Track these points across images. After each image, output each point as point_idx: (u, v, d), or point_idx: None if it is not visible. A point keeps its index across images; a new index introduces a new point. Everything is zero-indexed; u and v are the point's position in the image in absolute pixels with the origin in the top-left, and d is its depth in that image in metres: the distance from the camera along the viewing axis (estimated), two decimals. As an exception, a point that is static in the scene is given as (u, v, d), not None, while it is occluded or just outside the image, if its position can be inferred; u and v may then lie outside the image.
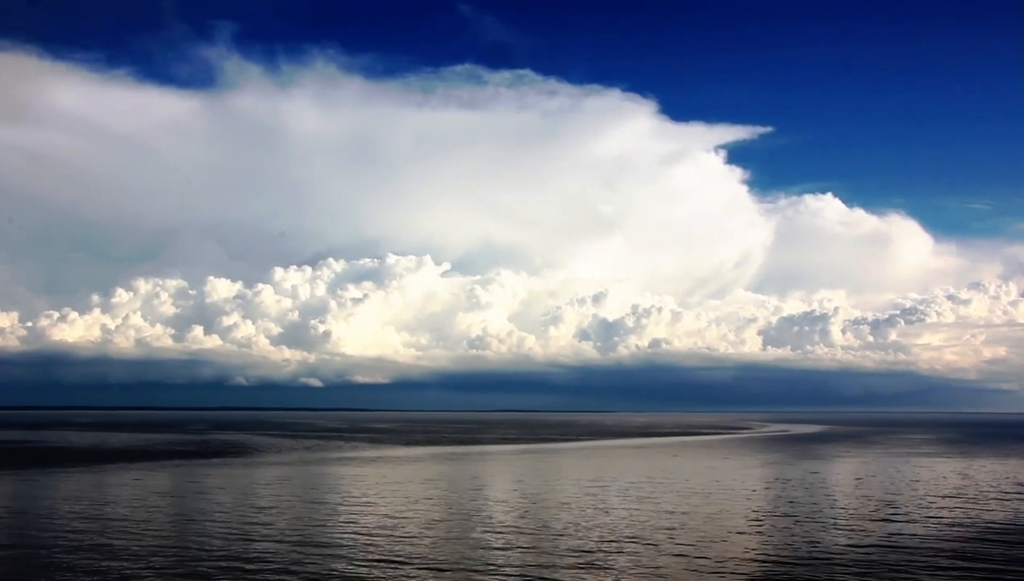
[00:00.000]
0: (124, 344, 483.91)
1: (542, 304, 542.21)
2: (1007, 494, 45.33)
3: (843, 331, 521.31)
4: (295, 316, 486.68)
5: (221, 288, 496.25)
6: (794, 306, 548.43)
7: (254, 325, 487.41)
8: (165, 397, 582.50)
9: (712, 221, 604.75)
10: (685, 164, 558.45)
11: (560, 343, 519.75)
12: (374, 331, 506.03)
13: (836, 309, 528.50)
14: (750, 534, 31.01)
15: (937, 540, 29.99)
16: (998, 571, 24.93)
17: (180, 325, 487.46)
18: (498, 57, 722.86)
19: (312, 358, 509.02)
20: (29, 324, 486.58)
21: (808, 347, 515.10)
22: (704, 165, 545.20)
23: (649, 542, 29.14)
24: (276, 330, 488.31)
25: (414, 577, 24.03)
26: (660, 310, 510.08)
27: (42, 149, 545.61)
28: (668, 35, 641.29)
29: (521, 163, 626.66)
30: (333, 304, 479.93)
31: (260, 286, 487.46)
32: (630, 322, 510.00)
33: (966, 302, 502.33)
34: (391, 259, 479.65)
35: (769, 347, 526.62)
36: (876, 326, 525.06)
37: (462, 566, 25.22)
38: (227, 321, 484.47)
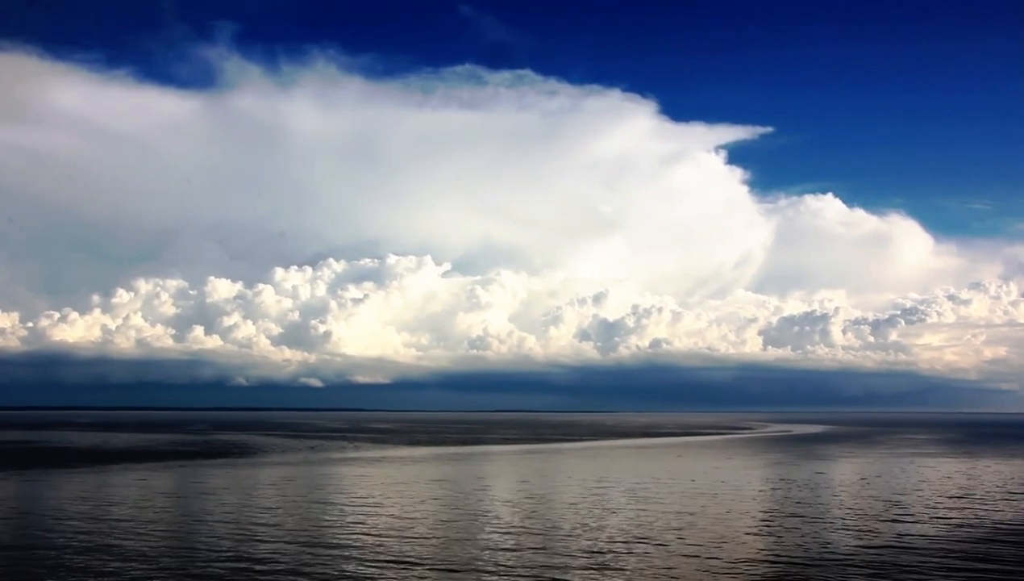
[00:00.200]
0: (124, 344, 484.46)
1: (542, 304, 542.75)
2: (1014, 494, 45.27)
3: (843, 331, 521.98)
4: (295, 316, 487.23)
5: (221, 288, 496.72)
6: (794, 306, 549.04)
7: (254, 325, 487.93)
8: (165, 397, 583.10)
9: (712, 221, 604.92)
10: (685, 164, 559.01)
11: (560, 343, 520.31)
12: (374, 331, 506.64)
13: (836, 309, 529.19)
14: (760, 535, 30.94)
15: (948, 541, 29.92)
16: (1010, 572, 24.86)
17: (180, 325, 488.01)
18: (498, 57, 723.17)
19: (312, 358, 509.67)
20: (29, 324, 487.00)
21: (808, 347, 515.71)
22: (704, 165, 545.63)
23: (659, 543, 29.07)
24: (276, 330, 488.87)
25: (426, 579, 23.97)
26: (660, 310, 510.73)
27: (42, 149, 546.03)
28: (668, 35, 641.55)
29: (521, 163, 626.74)
30: (333, 304, 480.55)
31: (260, 286, 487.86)
32: (630, 322, 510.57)
33: (966, 302, 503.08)
34: (391, 259, 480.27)
35: (769, 347, 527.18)
36: (876, 326, 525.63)
37: (474, 567, 25.15)
38: (227, 321, 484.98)
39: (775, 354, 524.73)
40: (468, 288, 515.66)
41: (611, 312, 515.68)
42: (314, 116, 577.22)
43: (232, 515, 35.71)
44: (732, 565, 25.39)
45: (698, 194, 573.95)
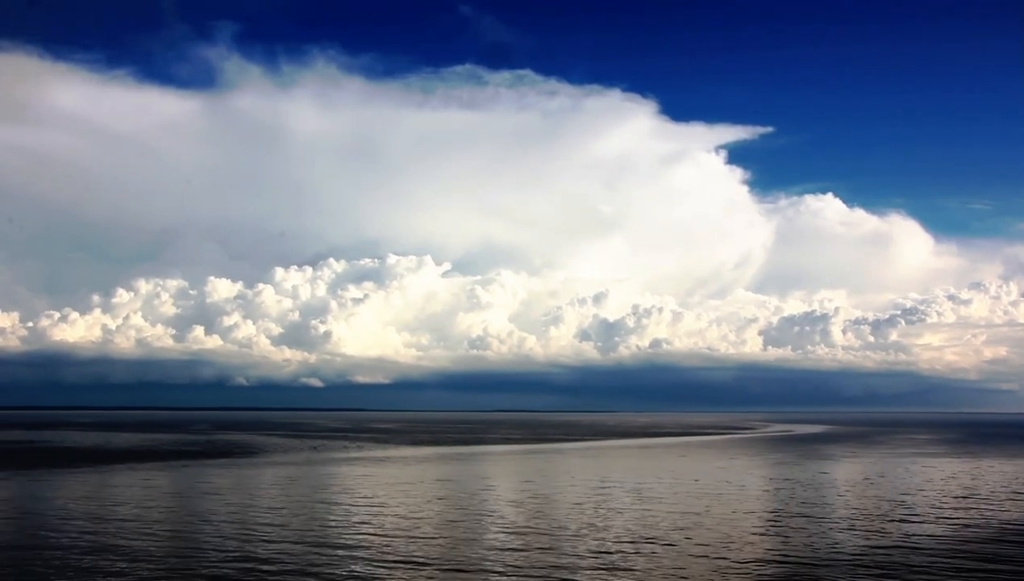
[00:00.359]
0: (125, 344, 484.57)
1: (542, 304, 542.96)
2: (1019, 494, 45.24)
3: (844, 331, 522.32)
4: (296, 316, 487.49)
5: (222, 288, 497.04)
6: (795, 306, 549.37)
7: (255, 325, 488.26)
8: (166, 397, 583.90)
9: (712, 221, 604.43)
10: (685, 164, 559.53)
11: (561, 343, 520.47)
12: (375, 331, 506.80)
13: (837, 309, 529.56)
14: (768, 535, 30.89)
15: (956, 541, 29.89)
16: (1021, 574, 24.81)
17: (181, 325, 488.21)
18: (498, 57, 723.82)
19: (313, 358, 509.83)
20: (30, 324, 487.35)
21: (809, 347, 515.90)
22: (704, 165, 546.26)
23: (667, 543, 29.03)
24: (277, 330, 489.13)
25: (435, 579, 23.93)
26: (661, 310, 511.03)
27: (42, 149, 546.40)
28: (668, 35, 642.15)
29: (521, 163, 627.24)
30: (334, 304, 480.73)
31: (261, 286, 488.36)
32: (631, 322, 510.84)
33: (967, 302, 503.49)
34: (392, 259, 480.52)
35: (770, 347, 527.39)
36: (877, 326, 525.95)
37: (483, 568, 25.10)
38: (228, 321, 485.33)
39: (775, 354, 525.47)
40: (468, 288, 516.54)
41: (611, 312, 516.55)
42: (314, 116, 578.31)
43: (238, 515, 35.67)
44: (742, 565, 25.34)
45: (698, 194, 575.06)
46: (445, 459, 76.18)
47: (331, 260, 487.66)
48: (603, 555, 26.94)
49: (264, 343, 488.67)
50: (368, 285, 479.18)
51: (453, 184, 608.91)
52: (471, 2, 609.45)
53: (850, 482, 51.93)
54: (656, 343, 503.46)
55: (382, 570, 24.83)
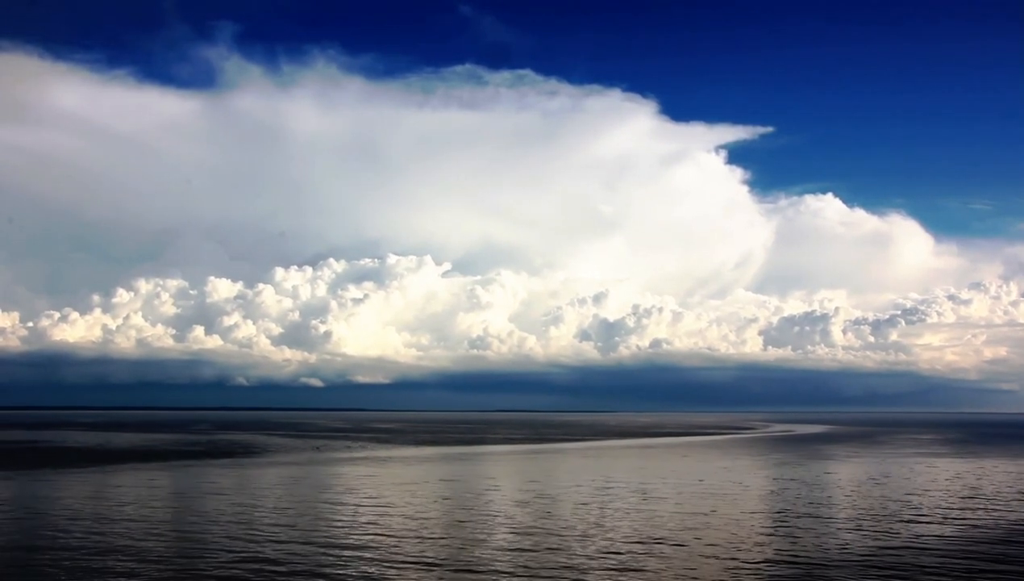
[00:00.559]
0: (125, 344, 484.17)
1: (543, 304, 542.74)
2: (1026, 495, 45.23)
3: (844, 331, 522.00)
4: (296, 316, 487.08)
5: (222, 288, 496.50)
6: (795, 306, 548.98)
7: (255, 325, 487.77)
8: (166, 397, 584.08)
9: (713, 221, 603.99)
10: (685, 164, 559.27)
11: (561, 343, 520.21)
12: (375, 331, 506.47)
13: (837, 309, 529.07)
14: (777, 535, 30.84)
15: (965, 542, 29.86)
16: (1032, 573, 24.81)
17: (181, 325, 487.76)
18: (498, 57, 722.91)
19: (313, 358, 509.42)
20: (30, 324, 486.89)
21: (809, 347, 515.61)
22: (704, 165, 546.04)
23: (676, 543, 29.00)
24: (277, 330, 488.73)
25: (446, 580, 23.90)
26: (661, 310, 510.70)
27: (43, 149, 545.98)
28: (668, 35, 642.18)
29: (521, 163, 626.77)
30: (334, 304, 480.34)
31: (261, 286, 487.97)
32: (631, 322, 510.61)
33: (967, 302, 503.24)
34: (392, 259, 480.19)
35: (770, 347, 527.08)
36: (877, 326, 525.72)
37: (494, 568, 25.06)
38: (228, 321, 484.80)
39: (775, 354, 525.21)
40: (468, 288, 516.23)
41: (611, 312, 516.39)
42: (314, 116, 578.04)
43: (244, 515, 35.63)
44: (754, 566, 25.30)
45: (698, 194, 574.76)
46: (448, 459, 76.16)
47: (331, 260, 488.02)
48: (613, 555, 26.90)
49: (264, 343, 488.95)
50: (368, 285, 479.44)
51: (453, 184, 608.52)
52: (471, 2, 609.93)
53: (855, 482, 51.89)
54: (656, 343, 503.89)
55: (392, 571, 24.79)
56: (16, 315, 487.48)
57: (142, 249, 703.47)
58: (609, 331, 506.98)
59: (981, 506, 39.80)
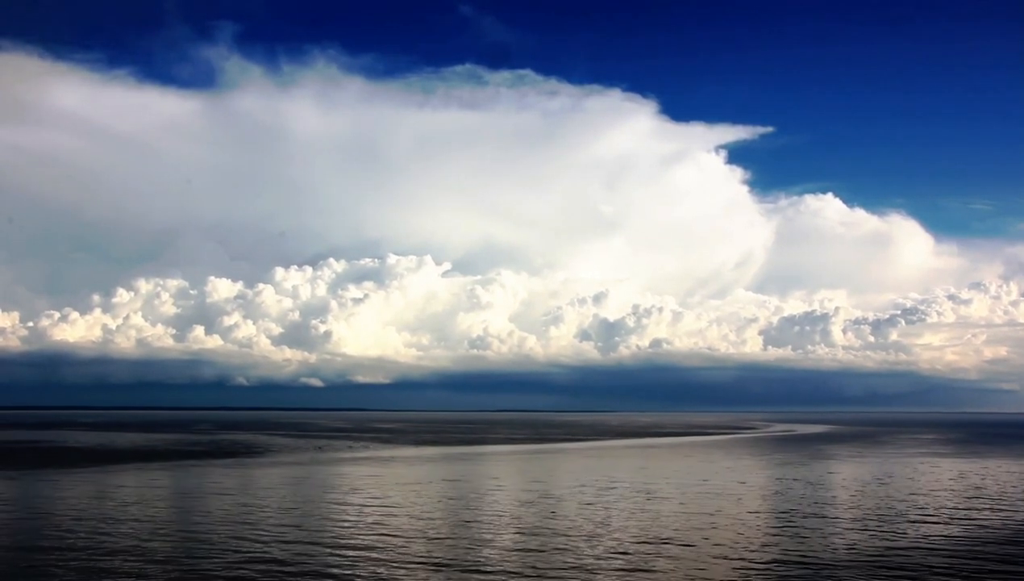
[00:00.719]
0: (125, 344, 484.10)
1: (543, 304, 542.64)
2: (1031, 495, 45.21)
3: (844, 331, 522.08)
4: (296, 316, 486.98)
5: (222, 288, 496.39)
6: (795, 306, 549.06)
7: (255, 325, 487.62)
8: (166, 397, 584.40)
9: (713, 221, 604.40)
10: (686, 164, 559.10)
11: (561, 343, 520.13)
12: (375, 331, 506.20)
13: (837, 309, 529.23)
14: (785, 536, 30.80)
15: (974, 542, 29.83)
16: (1042, 573, 24.78)
17: (181, 325, 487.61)
18: (498, 57, 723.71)
19: (313, 358, 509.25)
20: (30, 324, 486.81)
21: (809, 347, 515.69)
22: (705, 165, 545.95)
23: (684, 543, 28.97)
24: (277, 330, 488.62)
25: None
26: (661, 310, 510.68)
27: (43, 149, 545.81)
28: (668, 35, 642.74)
29: (522, 163, 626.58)
30: (334, 304, 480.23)
31: (261, 286, 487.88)
32: (631, 322, 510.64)
33: (967, 302, 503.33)
34: (392, 259, 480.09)
35: (770, 347, 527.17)
36: (877, 326, 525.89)
37: (503, 569, 25.02)
38: (228, 321, 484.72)
39: (775, 354, 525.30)
40: (468, 288, 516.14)
41: (611, 312, 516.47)
42: (314, 116, 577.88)
43: (251, 515, 35.59)
44: (765, 567, 25.26)
45: (698, 194, 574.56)
46: (450, 459, 76.13)
47: (331, 260, 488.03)
48: (622, 556, 26.88)
49: (264, 343, 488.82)
50: (368, 285, 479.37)
51: (453, 184, 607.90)
52: (471, 2, 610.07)
53: (860, 482, 51.86)
54: (656, 343, 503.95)
55: (402, 571, 24.76)
56: (16, 315, 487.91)
57: (142, 249, 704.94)
58: (609, 331, 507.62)
59: (987, 506, 39.79)
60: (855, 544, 29.10)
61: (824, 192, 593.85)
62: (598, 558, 26.56)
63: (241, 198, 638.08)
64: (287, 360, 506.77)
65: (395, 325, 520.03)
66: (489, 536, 30.74)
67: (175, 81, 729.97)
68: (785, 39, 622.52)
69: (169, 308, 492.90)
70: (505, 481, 53.73)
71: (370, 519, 34.85)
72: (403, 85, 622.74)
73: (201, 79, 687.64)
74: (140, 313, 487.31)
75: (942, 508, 38.86)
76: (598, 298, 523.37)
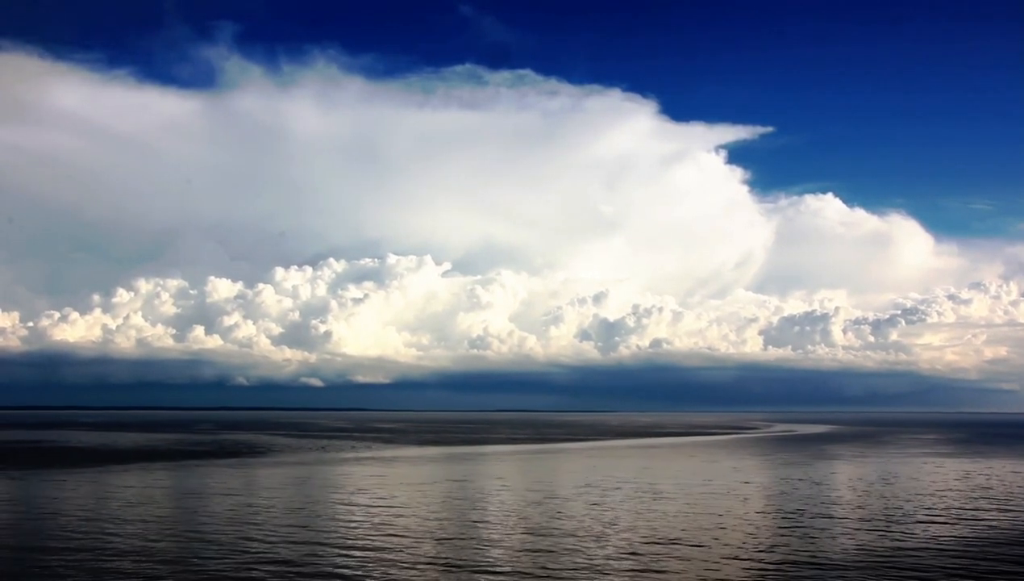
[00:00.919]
0: (125, 344, 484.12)
1: (543, 304, 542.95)
2: (1037, 495, 45.14)
3: (844, 331, 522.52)
4: (296, 316, 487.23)
5: (222, 288, 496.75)
6: (795, 306, 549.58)
7: (255, 325, 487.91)
8: (166, 397, 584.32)
9: (713, 221, 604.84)
10: (686, 164, 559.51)
11: (561, 343, 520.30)
12: (375, 331, 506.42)
13: (837, 309, 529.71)
14: (795, 536, 30.70)
15: (984, 543, 29.75)
16: (1055, 574, 24.70)
17: (181, 325, 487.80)
18: (498, 57, 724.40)
19: (313, 358, 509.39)
20: (30, 324, 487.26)
21: (809, 347, 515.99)
22: (705, 165, 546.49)
23: (694, 544, 28.89)
24: (277, 330, 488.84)
25: None
26: (661, 310, 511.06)
27: (43, 149, 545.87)
28: (668, 35, 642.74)
29: (522, 163, 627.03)
30: (334, 304, 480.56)
31: (261, 286, 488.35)
32: (631, 322, 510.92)
33: (967, 302, 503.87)
34: (392, 259, 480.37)
35: (770, 347, 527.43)
36: (877, 326, 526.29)
37: (515, 569, 24.94)
38: (228, 321, 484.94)
39: (776, 354, 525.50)
40: (468, 288, 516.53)
41: (612, 312, 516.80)
42: (314, 116, 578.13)
43: (259, 516, 35.51)
44: (777, 567, 25.17)
45: (698, 194, 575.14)
46: (454, 459, 76.04)
47: (331, 260, 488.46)
48: (632, 556, 26.80)
49: (264, 343, 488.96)
50: (368, 285, 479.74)
51: (453, 184, 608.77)
52: (471, 2, 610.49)
53: (865, 482, 51.77)
54: (656, 343, 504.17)
55: (413, 572, 24.67)
56: (16, 315, 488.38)
57: (142, 249, 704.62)
58: (609, 331, 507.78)
59: (995, 507, 39.72)
60: (865, 544, 29.02)
61: (824, 192, 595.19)
62: (608, 559, 26.49)
63: (241, 198, 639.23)
64: (287, 360, 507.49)
65: (395, 325, 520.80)
66: (498, 536, 30.66)
67: (175, 81, 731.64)
68: (785, 39, 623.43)
69: (169, 308, 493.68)
70: (510, 481, 53.63)
71: (377, 519, 34.76)
72: (403, 85, 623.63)
73: (201, 79, 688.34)
74: (140, 313, 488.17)
75: (950, 508, 38.78)
76: (598, 298, 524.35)
